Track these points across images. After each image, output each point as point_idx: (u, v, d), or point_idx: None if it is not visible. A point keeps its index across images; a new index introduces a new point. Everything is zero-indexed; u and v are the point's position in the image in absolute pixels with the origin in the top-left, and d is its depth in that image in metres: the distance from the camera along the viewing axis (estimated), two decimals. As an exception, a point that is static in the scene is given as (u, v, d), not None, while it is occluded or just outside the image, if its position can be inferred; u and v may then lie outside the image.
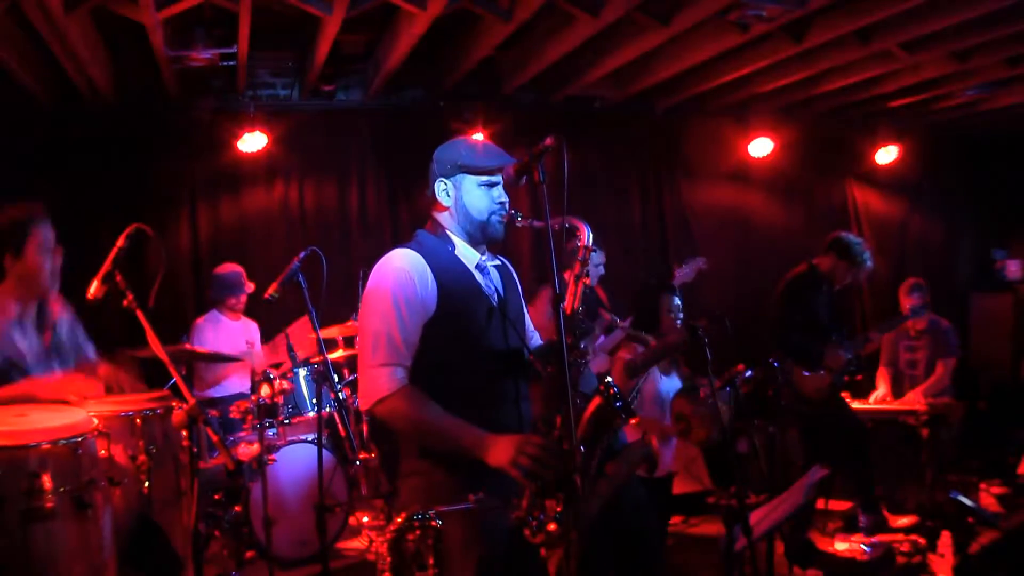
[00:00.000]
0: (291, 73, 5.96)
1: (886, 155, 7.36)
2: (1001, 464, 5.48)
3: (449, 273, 2.29)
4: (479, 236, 2.37)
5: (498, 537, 2.20)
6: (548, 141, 2.09)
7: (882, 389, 5.75)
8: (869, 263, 4.88)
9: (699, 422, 4.26)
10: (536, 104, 6.51)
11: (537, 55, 5.44)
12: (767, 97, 6.58)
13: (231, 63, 4.99)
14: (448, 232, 2.38)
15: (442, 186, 2.36)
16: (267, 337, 5.29)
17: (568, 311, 2.18)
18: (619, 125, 6.84)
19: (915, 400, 5.49)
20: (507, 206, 2.36)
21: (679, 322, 4.55)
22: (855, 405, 5.44)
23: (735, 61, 5.58)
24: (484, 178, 2.34)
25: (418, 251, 2.30)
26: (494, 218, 2.34)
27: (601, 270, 5.00)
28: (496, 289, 2.41)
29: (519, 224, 2.33)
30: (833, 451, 4.63)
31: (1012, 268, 7.92)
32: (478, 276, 2.37)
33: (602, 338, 4.64)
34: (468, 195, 2.34)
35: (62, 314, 3.09)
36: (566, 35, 4.95)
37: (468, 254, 2.37)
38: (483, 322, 2.31)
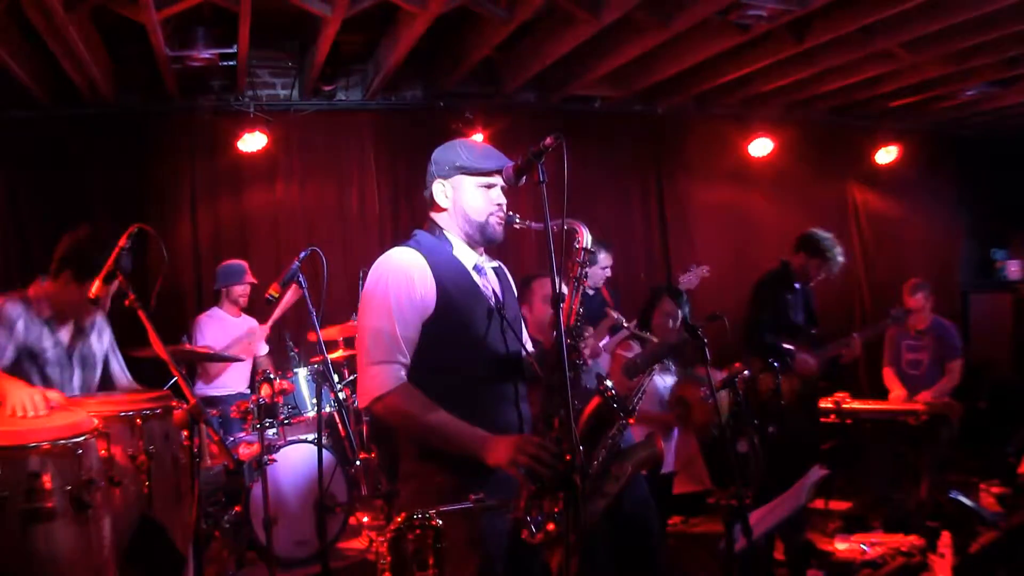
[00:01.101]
0: (291, 73, 5.96)
1: (886, 155, 7.36)
2: (1001, 464, 5.48)
3: (448, 272, 2.29)
4: (477, 237, 2.37)
5: (498, 537, 2.20)
6: (548, 141, 2.08)
7: (897, 390, 5.72)
8: (840, 258, 4.79)
9: (699, 407, 4.24)
10: (536, 104, 6.51)
11: (537, 55, 5.44)
12: (767, 97, 6.58)
13: (231, 63, 4.99)
14: (446, 233, 2.38)
15: (440, 187, 2.36)
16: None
17: (566, 313, 2.18)
18: (619, 125, 6.83)
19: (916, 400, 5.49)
20: (505, 208, 2.36)
21: (672, 325, 4.51)
22: (855, 405, 5.43)
23: (735, 61, 5.58)
24: (482, 179, 2.33)
25: (417, 249, 2.30)
26: (492, 219, 2.34)
27: (608, 272, 4.96)
28: (494, 290, 2.41)
29: (517, 226, 2.33)
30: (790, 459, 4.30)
31: (1012, 268, 7.92)
32: (476, 277, 2.36)
33: (607, 338, 4.63)
34: (466, 196, 2.34)
35: (101, 327, 3.19)
36: (566, 35, 4.95)
37: (466, 255, 2.37)
38: (482, 322, 2.30)
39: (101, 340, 3.22)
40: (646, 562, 3.40)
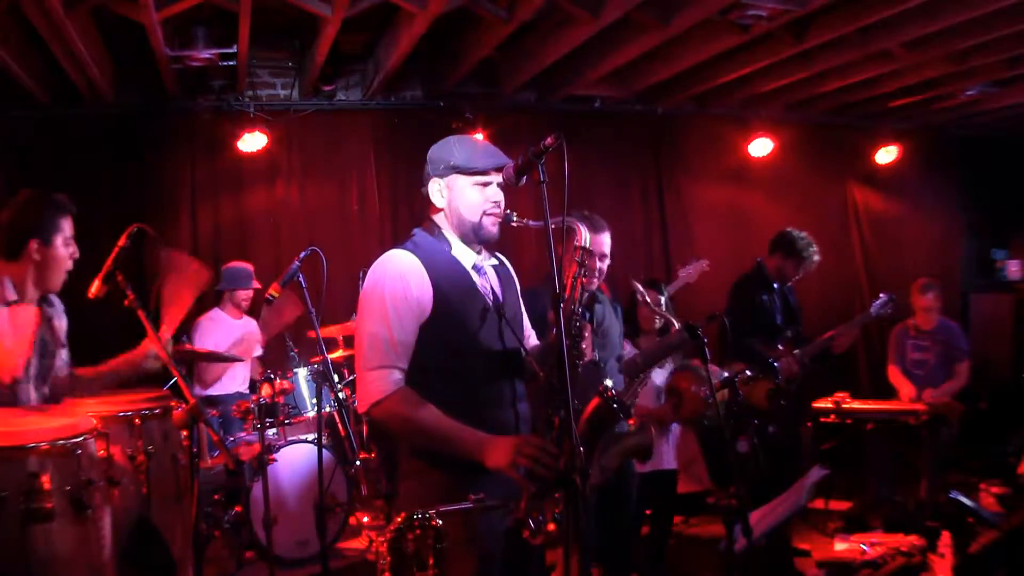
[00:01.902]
0: (291, 73, 5.96)
1: (886, 155, 7.37)
2: (1001, 464, 5.48)
3: (445, 273, 2.28)
4: (472, 237, 2.34)
5: (497, 537, 2.20)
6: (548, 141, 2.07)
7: (905, 388, 5.66)
8: (816, 257, 4.70)
9: (690, 397, 4.22)
10: (536, 104, 6.51)
11: (537, 55, 5.44)
12: (767, 97, 6.58)
13: (231, 63, 4.98)
14: (444, 232, 2.36)
15: (436, 186, 2.34)
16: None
17: (566, 311, 2.18)
18: (619, 125, 6.83)
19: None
20: (501, 206, 2.33)
21: (656, 317, 4.49)
22: (855, 405, 5.43)
23: (735, 61, 5.58)
24: (477, 178, 2.30)
25: (413, 251, 2.28)
26: (487, 219, 2.31)
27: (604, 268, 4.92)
28: (493, 289, 2.39)
29: (514, 224, 2.30)
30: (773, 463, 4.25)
31: (1012, 268, 7.92)
32: (475, 276, 2.34)
33: None
34: (461, 195, 2.31)
35: (60, 308, 3.03)
36: (566, 35, 4.95)
37: (465, 254, 2.35)
38: (479, 322, 2.29)
39: (61, 320, 3.03)
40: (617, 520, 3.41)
